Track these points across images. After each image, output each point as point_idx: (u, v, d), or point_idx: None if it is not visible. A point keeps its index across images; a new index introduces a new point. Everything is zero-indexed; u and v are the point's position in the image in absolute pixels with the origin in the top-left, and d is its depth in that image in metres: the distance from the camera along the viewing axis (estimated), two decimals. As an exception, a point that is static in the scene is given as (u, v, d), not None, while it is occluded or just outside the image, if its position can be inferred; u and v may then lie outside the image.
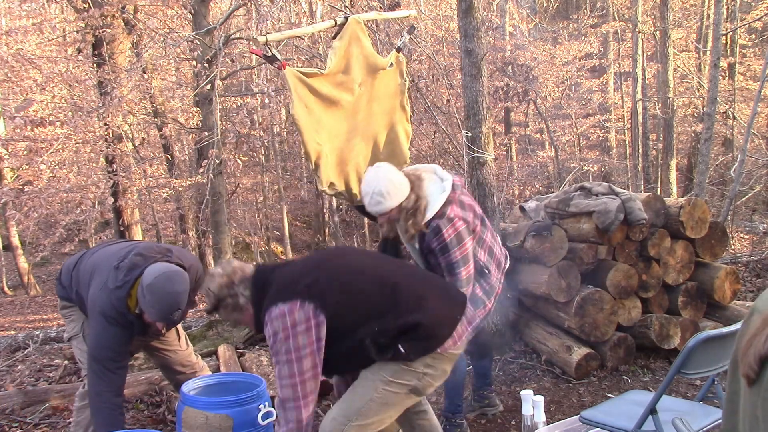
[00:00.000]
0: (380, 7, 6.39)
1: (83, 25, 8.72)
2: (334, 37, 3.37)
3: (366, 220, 9.42)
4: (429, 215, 2.82)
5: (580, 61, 14.12)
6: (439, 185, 2.90)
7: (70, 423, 3.70)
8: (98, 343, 2.69)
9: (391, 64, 3.49)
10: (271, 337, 2.11)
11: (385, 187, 2.77)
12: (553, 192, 6.85)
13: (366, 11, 7.33)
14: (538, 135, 15.13)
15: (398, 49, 3.58)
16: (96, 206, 9.89)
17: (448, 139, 8.40)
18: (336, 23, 3.44)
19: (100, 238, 14.06)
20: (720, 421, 2.44)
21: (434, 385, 2.33)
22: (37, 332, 6.01)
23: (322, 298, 2.13)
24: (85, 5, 8.38)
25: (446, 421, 3.34)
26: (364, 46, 3.39)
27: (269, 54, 3.04)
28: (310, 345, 2.09)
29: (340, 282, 2.24)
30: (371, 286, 2.27)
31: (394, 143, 3.55)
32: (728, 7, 12.20)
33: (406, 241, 2.98)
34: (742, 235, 9.81)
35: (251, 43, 3.18)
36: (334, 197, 3.47)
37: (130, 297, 2.68)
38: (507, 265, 3.21)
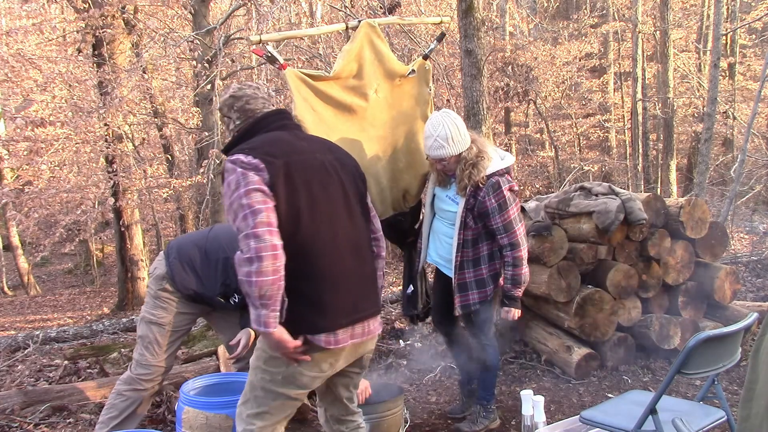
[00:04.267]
0: (381, 7, 6.38)
1: (83, 25, 8.74)
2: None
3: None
4: (489, 171, 2.99)
5: (580, 61, 14.13)
6: (496, 152, 3.10)
7: (69, 423, 3.71)
8: None
9: (413, 71, 3.36)
10: (226, 179, 2.03)
11: (451, 132, 2.88)
12: (553, 192, 6.85)
13: (366, 12, 7.32)
14: (538, 135, 15.14)
15: (425, 57, 3.46)
16: (96, 206, 9.90)
17: (448, 139, 8.39)
18: (347, 27, 3.38)
19: (100, 238, 14.08)
20: (721, 420, 2.44)
21: (309, 376, 2.09)
22: (37, 332, 6.02)
23: (273, 179, 1.99)
24: (85, 5, 8.39)
25: (481, 408, 3.42)
26: (380, 50, 3.27)
27: (269, 54, 3.02)
28: (259, 187, 1.96)
29: (301, 185, 2.06)
30: (319, 221, 2.08)
31: (415, 153, 3.41)
32: (728, 7, 12.21)
33: (457, 192, 3.07)
34: (742, 235, 9.81)
35: (252, 43, 3.12)
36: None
37: None
38: None
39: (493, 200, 2.99)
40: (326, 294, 2.06)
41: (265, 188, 1.97)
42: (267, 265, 1.89)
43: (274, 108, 2.28)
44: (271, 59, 3.04)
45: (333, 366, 2.14)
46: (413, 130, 3.42)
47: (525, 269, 3.11)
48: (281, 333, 1.99)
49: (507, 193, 2.99)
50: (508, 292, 3.15)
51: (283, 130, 2.20)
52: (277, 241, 1.93)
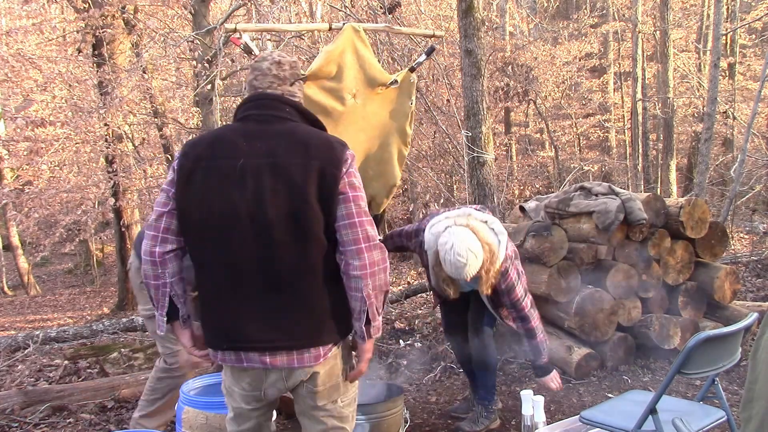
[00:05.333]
0: (381, 7, 6.38)
1: (83, 25, 8.74)
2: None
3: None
4: (499, 263, 2.95)
5: (580, 61, 14.14)
6: (487, 229, 2.99)
7: (69, 423, 3.72)
8: None
9: (395, 81, 3.27)
10: None
11: (476, 251, 2.84)
12: (553, 192, 6.85)
13: (366, 12, 7.31)
14: (538, 135, 15.14)
15: (412, 69, 3.39)
16: (96, 206, 9.90)
17: (448, 139, 8.40)
18: (331, 27, 3.32)
19: (100, 238, 14.08)
20: (721, 420, 2.44)
21: (237, 391, 2.03)
22: (37, 332, 6.01)
23: (178, 181, 1.92)
24: (85, 5, 8.39)
25: (482, 408, 3.43)
26: (362, 55, 3.19)
27: (246, 45, 2.98)
28: (167, 187, 1.96)
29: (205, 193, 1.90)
30: (209, 234, 1.90)
31: (386, 164, 3.36)
32: (728, 7, 12.20)
33: (483, 292, 3.02)
34: (742, 235, 9.81)
35: (235, 32, 3.07)
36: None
37: None
38: None
39: (502, 285, 3.03)
40: (208, 311, 1.97)
41: (171, 189, 1.93)
42: (147, 269, 1.95)
43: (270, 92, 2.02)
44: (247, 50, 3.00)
45: (255, 387, 1.99)
46: (387, 141, 3.35)
47: (541, 336, 3.13)
48: (180, 335, 2.07)
49: (513, 276, 3.03)
50: (535, 363, 3.20)
51: (244, 121, 1.99)
52: (159, 248, 1.92)
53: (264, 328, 1.89)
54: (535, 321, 3.11)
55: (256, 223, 1.85)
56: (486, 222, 3.04)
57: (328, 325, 1.94)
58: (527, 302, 3.09)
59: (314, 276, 1.90)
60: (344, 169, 1.91)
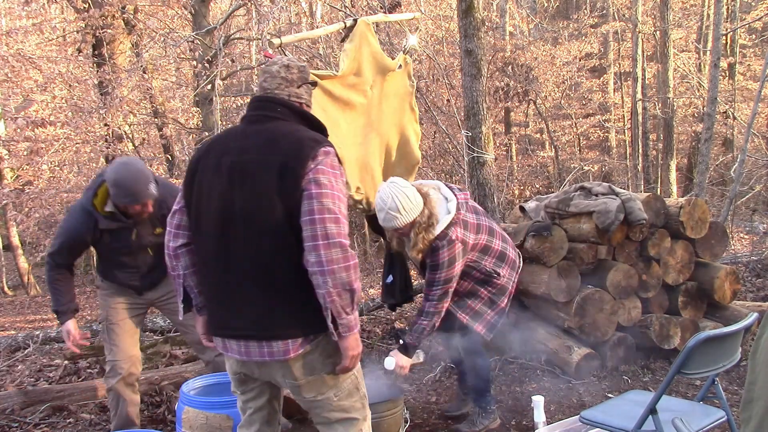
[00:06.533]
0: (381, 7, 6.39)
1: (83, 26, 8.75)
2: (343, 40, 3.37)
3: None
4: (434, 233, 2.91)
5: (580, 61, 14.12)
6: (444, 205, 2.99)
7: (69, 423, 3.72)
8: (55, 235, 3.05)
9: (400, 65, 3.50)
10: None
11: (401, 203, 2.85)
12: (553, 192, 6.85)
13: (366, 11, 7.33)
14: (538, 135, 15.12)
15: (405, 51, 3.62)
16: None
17: (448, 139, 8.40)
18: (345, 26, 3.44)
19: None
20: (721, 420, 2.45)
21: (229, 374, 2.21)
22: (37, 332, 6.01)
23: (185, 179, 2.11)
24: (85, 5, 8.40)
25: (480, 409, 3.42)
26: (374, 47, 3.37)
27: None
28: (183, 186, 2.15)
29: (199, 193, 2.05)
30: (200, 228, 2.06)
31: (407, 145, 3.56)
32: (728, 7, 12.21)
33: (413, 256, 3.04)
34: (742, 235, 9.81)
35: (266, 45, 3.18)
36: (355, 204, 3.39)
37: (96, 197, 2.93)
38: (521, 264, 3.39)
39: (428, 260, 2.99)
40: (205, 300, 2.15)
41: (182, 188, 2.13)
42: (166, 262, 2.16)
43: (269, 94, 2.09)
44: None
45: (238, 371, 2.14)
46: (402, 122, 3.56)
47: (426, 322, 3.03)
48: (195, 322, 2.25)
49: (443, 258, 2.94)
50: (404, 338, 3.09)
51: (242, 122, 2.12)
52: (172, 243, 2.11)
53: (236, 317, 2.01)
54: (434, 307, 3.01)
55: (224, 217, 1.97)
56: (446, 199, 3.02)
57: (293, 318, 1.97)
58: (439, 291, 2.98)
59: (274, 270, 1.94)
60: (310, 166, 1.90)
